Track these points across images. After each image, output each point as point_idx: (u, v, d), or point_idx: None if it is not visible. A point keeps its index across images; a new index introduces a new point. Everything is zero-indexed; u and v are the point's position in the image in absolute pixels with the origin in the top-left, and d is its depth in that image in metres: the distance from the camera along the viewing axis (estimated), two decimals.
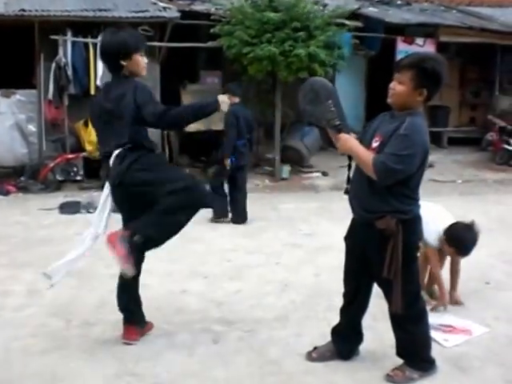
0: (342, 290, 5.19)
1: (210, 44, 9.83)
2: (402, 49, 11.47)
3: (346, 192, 3.80)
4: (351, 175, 3.78)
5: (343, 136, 3.59)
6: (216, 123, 10.39)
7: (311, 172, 10.78)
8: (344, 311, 4.09)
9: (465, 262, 5.37)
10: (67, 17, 9.44)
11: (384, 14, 11.50)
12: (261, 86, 10.92)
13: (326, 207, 8.67)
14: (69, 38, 9.66)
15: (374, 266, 3.72)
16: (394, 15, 11.59)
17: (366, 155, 3.50)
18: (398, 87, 3.52)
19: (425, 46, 11.62)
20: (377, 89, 11.86)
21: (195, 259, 6.20)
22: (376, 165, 3.40)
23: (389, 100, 3.61)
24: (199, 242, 6.75)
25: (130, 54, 3.96)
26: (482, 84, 13.30)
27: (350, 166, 3.77)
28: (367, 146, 3.60)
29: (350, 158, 3.69)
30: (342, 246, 6.48)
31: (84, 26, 9.74)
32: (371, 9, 11.58)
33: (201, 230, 7.06)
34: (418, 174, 3.55)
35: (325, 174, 10.67)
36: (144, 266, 5.54)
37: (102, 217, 4.11)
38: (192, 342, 4.32)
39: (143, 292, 4.44)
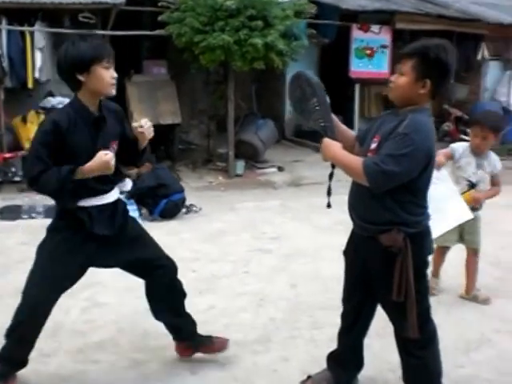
0: (323, 303, 4.92)
1: (158, 32, 9.20)
2: (358, 36, 11.19)
3: (329, 206, 3.38)
4: (332, 185, 3.35)
5: (326, 141, 3.15)
6: (165, 116, 9.85)
7: (266, 167, 10.31)
8: (343, 335, 3.64)
9: (452, 268, 5.15)
10: (2, 3, 8.58)
11: (339, 1, 11.07)
12: (210, 76, 10.45)
13: (287, 206, 8.28)
14: (3, 26, 8.83)
15: (379, 288, 3.30)
16: (349, 1, 11.18)
17: (353, 160, 3.05)
18: (399, 79, 3.08)
19: (381, 34, 11.35)
20: (330, 78, 11.60)
21: None
22: (367, 168, 2.94)
23: (390, 95, 3.16)
24: None
25: (87, 66, 3.20)
26: None
27: (331, 175, 3.32)
28: (366, 148, 3.16)
29: (333, 166, 3.24)
30: (313, 251, 6.26)
31: (20, 14, 8.90)
32: None
33: (157, 235, 6.51)
34: (423, 179, 3.10)
35: (281, 169, 10.23)
36: (97, 279, 5.05)
37: None
38: (167, 375, 3.82)
39: (100, 311, 3.90)
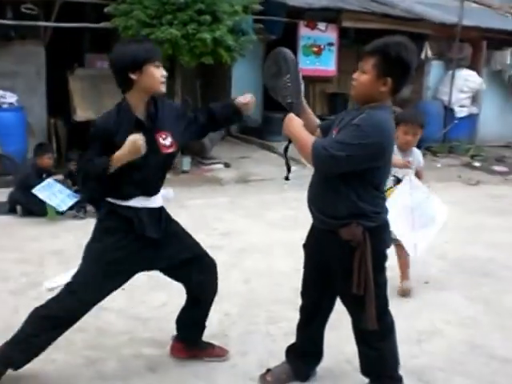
0: (277, 298, 4.94)
1: (103, 24, 9.00)
2: (305, 34, 11.23)
3: (287, 178, 3.48)
4: (289, 158, 3.47)
5: (289, 116, 3.21)
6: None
7: (213, 163, 10.23)
8: (303, 328, 3.66)
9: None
10: None
11: None
12: None
13: (236, 202, 8.25)
14: None
15: (339, 281, 3.32)
16: None
17: (307, 137, 3.12)
18: (360, 77, 3.12)
19: (327, 32, 11.43)
20: None
21: None
22: (315, 149, 3.02)
23: (352, 92, 3.21)
24: None
25: (140, 65, 3.26)
26: None
27: (286, 149, 3.41)
28: None
29: (290, 141, 3.28)
30: (264, 246, 6.26)
31: None
32: None
33: None
34: (380, 172, 3.16)
35: (227, 165, 10.18)
36: (44, 278, 5.11)
37: None
38: (125, 372, 3.75)
39: None
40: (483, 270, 5.84)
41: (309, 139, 3.09)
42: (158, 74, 3.32)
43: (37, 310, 3.51)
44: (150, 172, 3.42)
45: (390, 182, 4.83)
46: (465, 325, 4.60)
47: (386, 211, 3.27)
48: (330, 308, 3.58)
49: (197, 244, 3.75)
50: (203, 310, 3.85)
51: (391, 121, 3.16)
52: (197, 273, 3.68)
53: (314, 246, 3.44)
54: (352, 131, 3.00)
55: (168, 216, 3.65)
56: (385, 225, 3.28)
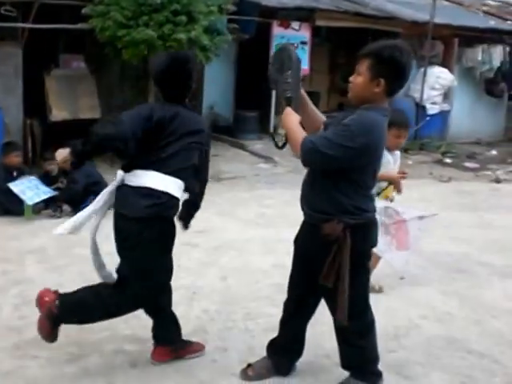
0: (254, 294, 5.04)
1: (80, 25, 9.02)
2: (278, 33, 11.32)
3: (278, 146, 3.55)
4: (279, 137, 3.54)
5: (287, 110, 3.33)
6: (84, 111, 9.70)
7: None
8: (287, 323, 3.74)
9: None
10: None
11: None
12: (127, 71, 10.37)
13: (209, 200, 8.19)
14: None
15: (317, 273, 3.39)
16: None
17: (299, 132, 3.25)
18: (356, 79, 3.24)
19: (301, 31, 11.52)
20: (249, 73, 11.68)
21: (84, 266, 5.48)
22: (303, 144, 3.15)
23: (349, 94, 3.34)
24: (84, 245, 6.10)
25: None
26: (351, 69, 13.17)
27: (274, 132, 3.60)
28: None
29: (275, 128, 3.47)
30: (240, 243, 6.36)
31: None
32: None
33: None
34: (368, 172, 3.28)
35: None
36: (25, 276, 5.20)
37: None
38: (107, 368, 3.83)
39: (32, 308, 3.90)
40: (458, 265, 5.99)
41: (300, 135, 3.22)
42: None
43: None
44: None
45: (383, 183, 4.94)
46: (441, 320, 4.72)
47: (372, 210, 3.37)
48: (315, 304, 3.66)
49: None
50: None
51: (383, 122, 3.24)
52: None
53: (302, 241, 3.55)
54: (340, 130, 3.12)
55: None
56: (369, 223, 3.37)
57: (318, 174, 3.31)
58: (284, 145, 3.45)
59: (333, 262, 3.26)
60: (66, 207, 7.32)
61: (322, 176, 3.29)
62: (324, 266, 3.28)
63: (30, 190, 7.20)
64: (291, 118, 3.32)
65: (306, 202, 3.42)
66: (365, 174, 3.27)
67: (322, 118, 3.55)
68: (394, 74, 3.19)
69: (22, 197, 7.09)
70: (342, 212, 3.23)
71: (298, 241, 3.60)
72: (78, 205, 7.19)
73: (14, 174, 7.42)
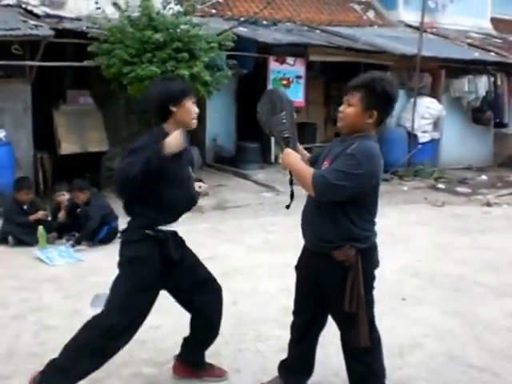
0: (264, 317, 5.24)
1: (87, 63, 9.37)
2: (275, 68, 11.69)
3: (288, 207, 3.69)
4: (294, 191, 3.63)
5: (287, 151, 3.46)
6: (92, 144, 9.99)
7: None
8: (294, 346, 3.89)
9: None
10: None
11: (256, 34, 11.58)
12: (132, 105, 10.67)
13: (216, 228, 8.57)
14: None
15: (332, 300, 3.54)
16: (264, 35, 11.70)
17: (306, 169, 3.36)
18: (347, 110, 3.36)
19: (295, 65, 11.88)
20: (248, 107, 11.99)
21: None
22: (315, 178, 3.25)
23: (338, 124, 3.46)
24: (95, 273, 6.35)
25: (180, 99, 3.58)
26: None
27: (291, 181, 3.62)
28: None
29: (291, 173, 3.54)
30: (247, 269, 6.60)
31: None
32: (241, 28, 11.58)
33: (95, 260, 6.86)
34: (371, 198, 3.43)
35: (206, 193, 10.48)
36: (42, 304, 5.36)
37: None
38: None
39: (51, 334, 4.00)
40: (455, 285, 6.19)
41: (308, 171, 3.31)
42: (193, 109, 3.65)
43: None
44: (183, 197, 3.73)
45: None
46: (442, 337, 4.90)
47: (375, 234, 3.52)
48: (323, 324, 3.79)
49: (205, 268, 4.01)
50: (209, 333, 4.04)
51: (378, 149, 3.38)
52: (204, 295, 3.90)
53: (307, 268, 3.64)
54: (347, 160, 3.22)
55: (182, 239, 3.91)
56: (374, 247, 3.52)
57: (326, 203, 3.38)
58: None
59: (352, 288, 3.37)
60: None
61: (326, 204, 3.36)
62: (342, 293, 3.37)
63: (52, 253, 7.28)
64: (293, 157, 3.41)
65: (309, 229, 3.51)
66: (370, 198, 3.41)
67: (307, 154, 3.72)
68: (385, 106, 3.36)
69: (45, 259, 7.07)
70: (349, 239, 3.35)
71: (302, 268, 3.70)
72: (93, 236, 7.48)
73: (25, 207, 7.73)
